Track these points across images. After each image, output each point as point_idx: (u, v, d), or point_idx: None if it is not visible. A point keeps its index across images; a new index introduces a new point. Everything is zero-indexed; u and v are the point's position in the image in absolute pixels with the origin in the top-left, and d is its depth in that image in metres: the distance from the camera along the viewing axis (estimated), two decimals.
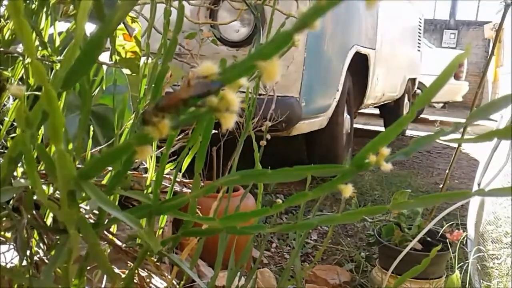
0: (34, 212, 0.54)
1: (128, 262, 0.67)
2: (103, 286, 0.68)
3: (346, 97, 2.98)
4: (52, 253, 0.56)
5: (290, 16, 0.87)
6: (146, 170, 0.98)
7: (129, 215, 0.33)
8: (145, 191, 0.79)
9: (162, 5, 0.67)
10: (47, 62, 0.63)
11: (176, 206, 0.39)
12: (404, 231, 1.57)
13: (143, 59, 0.85)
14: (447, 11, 13.70)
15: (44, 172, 0.61)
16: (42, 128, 0.59)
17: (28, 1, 0.66)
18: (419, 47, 5.61)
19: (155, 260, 0.68)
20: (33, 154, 0.35)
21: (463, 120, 0.31)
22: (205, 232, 0.45)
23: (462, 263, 1.43)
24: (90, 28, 0.65)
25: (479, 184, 1.47)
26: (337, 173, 0.31)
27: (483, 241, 1.39)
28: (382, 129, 5.11)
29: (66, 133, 0.56)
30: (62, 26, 0.75)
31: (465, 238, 1.51)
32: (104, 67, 1.05)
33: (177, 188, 1.07)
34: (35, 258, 0.57)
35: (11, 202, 0.52)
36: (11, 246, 0.56)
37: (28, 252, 0.53)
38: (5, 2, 0.69)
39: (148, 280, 0.69)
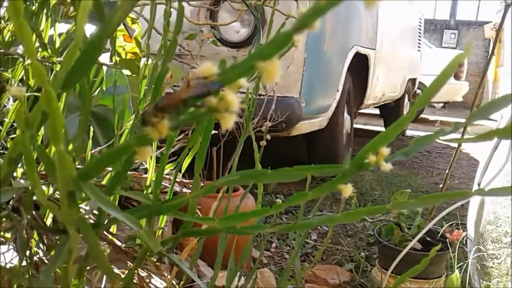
0: (34, 212, 0.54)
1: (128, 262, 0.67)
2: (102, 286, 0.68)
3: (346, 97, 2.98)
4: (52, 253, 0.56)
5: (290, 17, 0.87)
6: (146, 171, 0.98)
7: (128, 216, 0.33)
8: (145, 192, 0.79)
9: (162, 6, 0.67)
10: (47, 63, 0.63)
11: (176, 206, 0.39)
12: (404, 231, 1.57)
13: (143, 60, 0.85)
14: (447, 11, 13.70)
15: (44, 172, 0.61)
16: (42, 129, 0.59)
17: (28, 3, 0.66)
18: (419, 47, 5.62)
19: (155, 260, 0.68)
20: (33, 155, 0.35)
21: (463, 120, 0.31)
22: (205, 232, 0.45)
23: (462, 262, 1.43)
24: (90, 29, 0.66)
25: (479, 184, 1.47)
26: (337, 173, 0.31)
27: (483, 240, 1.39)
28: (382, 129, 5.11)
29: (66, 134, 0.56)
30: (62, 27, 0.76)
31: (465, 238, 1.51)
32: (104, 68, 1.05)
33: (177, 188, 1.07)
34: (35, 258, 0.57)
35: (11, 202, 0.52)
36: (11, 247, 0.56)
37: (27, 253, 0.53)
38: (6, 4, 0.69)
39: (147, 280, 0.69)
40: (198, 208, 0.93)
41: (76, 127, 0.57)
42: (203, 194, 0.39)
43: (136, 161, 0.93)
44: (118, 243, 0.64)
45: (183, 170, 0.75)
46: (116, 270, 0.67)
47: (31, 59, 0.28)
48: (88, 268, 0.43)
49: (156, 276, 0.70)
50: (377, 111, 5.85)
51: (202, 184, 0.97)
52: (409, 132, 5.75)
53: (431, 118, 7.81)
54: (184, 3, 0.58)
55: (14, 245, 0.51)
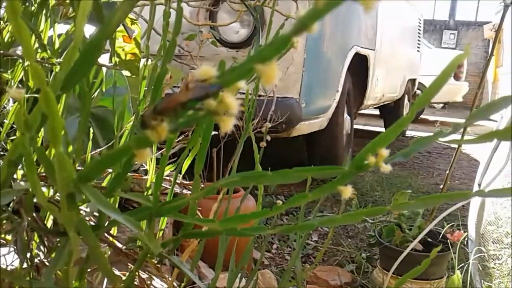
0: (34, 214, 0.54)
1: (129, 264, 0.67)
2: None
3: (346, 98, 2.98)
4: (53, 255, 0.56)
5: (290, 18, 0.87)
6: (146, 172, 0.97)
7: (129, 218, 0.33)
8: (145, 193, 0.79)
9: (161, 6, 0.67)
10: (46, 65, 0.63)
11: (176, 208, 0.39)
12: (404, 232, 1.57)
13: (142, 61, 0.85)
14: (447, 11, 13.71)
15: (44, 174, 0.61)
16: (42, 130, 0.59)
17: (27, 3, 0.66)
18: (418, 47, 5.62)
19: (156, 262, 0.68)
20: (33, 156, 0.35)
21: (463, 121, 0.31)
22: (205, 234, 0.45)
23: (463, 263, 1.43)
24: (89, 30, 0.66)
25: (479, 185, 1.47)
26: (337, 175, 0.31)
27: (484, 241, 1.39)
28: (382, 129, 5.11)
29: (66, 135, 0.56)
30: (62, 28, 0.75)
31: (466, 239, 1.51)
32: (104, 69, 1.05)
33: (177, 190, 1.07)
34: (36, 260, 0.57)
35: (11, 204, 0.52)
36: (12, 249, 0.56)
37: (28, 255, 0.52)
38: (5, 4, 0.69)
39: (148, 282, 0.69)
40: (198, 210, 0.93)
41: (75, 128, 0.57)
42: (204, 195, 0.39)
43: (136, 163, 0.93)
44: (119, 245, 0.64)
45: (183, 171, 0.75)
46: (117, 272, 0.67)
47: (30, 61, 0.28)
48: (88, 270, 0.43)
49: (157, 278, 0.70)
50: (377, 112, 5.85)
51: (202, 185, 0.97)
52: (409, 133, 5.75)
53: (431, 118, 7.81)
54: (183, 4, 0.58)
55: (14, 247, 0.51)
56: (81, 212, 0.45)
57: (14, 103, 0.76)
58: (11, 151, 0.37)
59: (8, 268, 0.57)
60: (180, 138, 1.20)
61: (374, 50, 3.35)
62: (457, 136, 0.32)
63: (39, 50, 0.64)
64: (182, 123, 0.25)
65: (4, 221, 0.51)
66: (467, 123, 0.31)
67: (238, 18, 1.50)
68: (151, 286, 0.70)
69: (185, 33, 1.55)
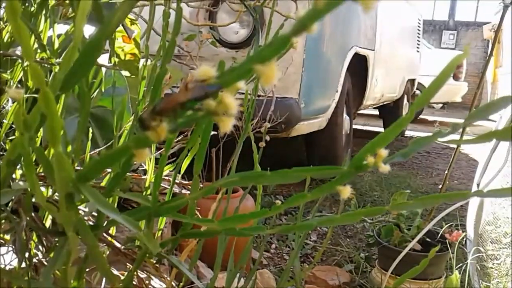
0: (33, 214, 0.54)
1: (127, 264, 0.67)
2: None
3: (345, 98, 2.98)
4: (51, 255, 0.56)
5: (289, 18, 0.87)
6: (145, 172, 0.97)
7: (127, 217, 0.33)
8: (144, 193, 0.79)
9: (161, 7, 0.67)
10: (46, 65, 0.63)
11: (175, 207, 0.39)
12: (403, 232, 1.57)
13: (142, 61, 0.85)
14: (446, 11, 13.72)
15: (43, 174, 0.61)
16: (41, 130, 0.59)
17: (27, 3, 0.66)
18: (418, 47, 5.62)
19: (154, 261, 0.68)
20: (32, 156, 0.35)
21: (462, 121, 0.31)
22: (204, 233, 0.45)
23: (461, 263, 1.43)
24: (89, 30, 0.66)
25: (478, 185, 1.47)
26: (336, 175, 0.31)
27: (482, 241, 1.39)
28: (382, 129, 5.12)
29: (65, 135, 0.56)
30: (61, 28, 0.75)
31: (464, 239, 1.51)
32: (103, 69, 1.05)
33: (176, 189, 1.07)
34: (34, 260, 0.57)
35: (10, 204, 0.52)
36: (10, 248, 0.56)
37: (27, 254, 0.52)
38: (4, 4, 0.69)
39: (147, 281, 0.69)
40: (197, 210, 0.93)
41: (75, 128, 0.57)
42: (202, 195, 0.39)
43: (135, 163, 0.93)
44: (118, 244, 0.64)
45: (182, 171, 0.75)
46: (115, 272, 0.67)
47: (29, 61, 0.28)
48: (87, 269, 0.43)
49: (156, 277, 0.70)
50: (376, 112, 5.86)
51: (201, 185, 0.97)
52: (408, 133, 5.75)
53: (430, 118, 7.82)
54: (182, 4, 0.58)
55: (13, 247, 0.51)
56: (80, 212, 0.45)
57: (13, 103, 0.76)
58: (10, 151, 0.37)
59: (7, 268, 0.57)
60: (179, 138, 1.20)
61: (373, 50, 3.35)
62: (456, 136, 0.32)
63: (39, 50, 0.64)
64: (181, 123, 0.25)
65: (3, 221, 0.51)
66: (466, 123, 0.31)
67: (238, 19, 1.50)
68: (150, 286, 0.70)
69: (184, 33, 1.55)
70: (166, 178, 0.99)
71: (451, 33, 13.43)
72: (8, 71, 0.74)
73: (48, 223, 0.63)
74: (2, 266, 0.57)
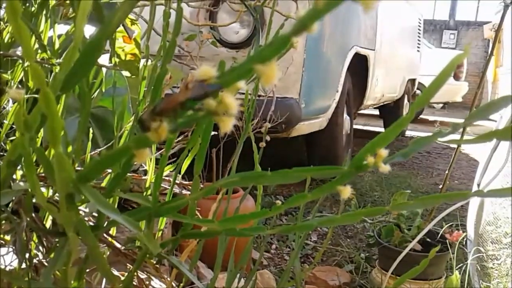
0: (33, 215, 0.54)
1: (128, 264, 0.67)
2: None
3: (346, 98, 2.98)
4: (51, 255, 0.56)
5: (289, 18, 0.87)
6: (145, 172, 0.97)
7: (128, 218, 0.33)
8: (144, 193, 0.79)
9: (161, 7, 0.67)
10: (46, 65, 0.63)
11: (176, 208, 0.39)
12: (403, 232, 1.57)
13: (142, 61, 0.85)
14: (447, 11, 13.72)
15: (43, 175, 0.61)
16: (42, 131, 0.59)
17: (27, 4, 0.66)
18: (418, 47, 5.62)
19: (155, 262, 0.68)
20: (32, 157, 0.35)
21: (462, 121, 0.31)
22: (204, 234, 0.45)
23: (462, 263, 1.43)
24: (89, 30, 0.66)
25: (478, 185, 1.47)
26: (336, 175, 0.31)
27: (482, 241, 1.39)
28: (382, 129, 5.11)
29: (65, 136, 0.56)
30: (62, 28, 0.75)
31: (465, 239, 1.51)
32: (104, 69, 1.05)
33: (176, 190, 1.07)
34: (34, 260, 0.57)
35: (10, 205, 0.52)
36: (10, 249, 0.56)
37: (27, 255, 0.52)
38: (5, 5, 0.69)
39: (147, 282, 0.69)
40: (197, 210, 0.93)
41: (75, 128, 0.57)
42: (203, 195, 0.39)
43: (135, 163, 0.93)
44: (118, 245, 0.64)
45: (182, 171, 0.75)
46: (115, 272, 0.67)
47: (30, 61, 0.28)
48: (87, 270, 0.43)
49: (156, 278, 0.70)
50: (376, 112, 5.86)
51: (201, 185, 0.97)
52: (408, 133, 5.75)
53: (431, 118, 7.82)
54: (183, 4, 0.58)
55: (13, 247, 0.51)
56: (80, 212, 0.45)
57: (13, 103, 0.76)
58: (10, 151, 0.37)
59: (7, 268, 0.57)
60: (180, 138, 1.20)
61: (374, 50, 3.35)
62: (456, 136, 0.32)
63: (39, 51, 0.64)
64: (181, 123, 0.25)
65: (3, 221, 0.51)
66: (466, 123, 0.31)
67: (238, 19, 1.50)
68: (150, 287, 0.70)
69: (185, 33, 1.55)
70: (167, 178, 0.99)
71: (451, 33, 13.42)
72: (9, 72, 0.74)
73: (48, 223, 0.63)
74: (3, 266, 0.57)
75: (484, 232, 1.39)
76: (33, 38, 0.63)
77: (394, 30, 4.14)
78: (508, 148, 1.38)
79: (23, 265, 0.51)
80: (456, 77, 7.74)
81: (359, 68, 3.21)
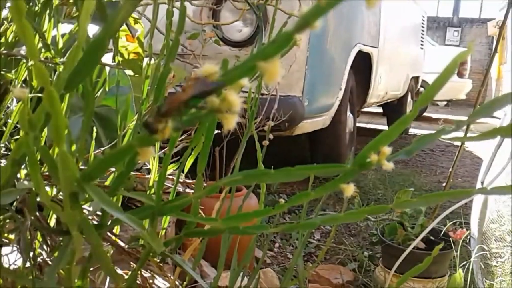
0: (37, 213, 0.54)
1: (131, 263, 0.67)
2: (106, 287, 0.68)
3: (349, 96, 2.98)
4: (55, 254, 0.56)
5: (292, 16, 0.87)
6: (149, 171, 0.98)
7: (131, 216, 0.33)
8: (148, 192, 0.79)
9: (164, 6, 0.67)
10: (50, 64, 0.63)
11: (179, 206, 0.39)
12: (407, 230, 1.57)
13: (146, 60, 0.85)
14: (450, 8, 13.68)
15: (47, 174, 0.61)
16: (46, 130, 0.60)
17: (31, 3, 0.66)
18: (422, 45, 5.60)
19: (158, 261, 0.68)
20: (37, 156, 0.35)
21: (466, 118, 0.31)
22: (207, 232, 0.45)
23: (465, 261, 1.43)
24: (92, 29, 0.66)
25: (482, 182, 1.47)
26: (340, 173, 0.31)
27: (486, 239, 1.38)
28: (385, 127, 5.10)
29: (69, 135, 0.56)
30: (65, 27, 0.76)
31: (468, 237, 1.51)
32: (107, 68, 1.05)
33: (180, 188, 1.07)
34: (39, 259, 0.57)
35: (14, 204, 0.53)
36: (15, 248, 0.56)
37: (31, 254, 0.53)
38: (9, 4, 0.69)
39: (151, 281, 0.69)
40: (201, 208, 0.93)
41: (79, 127, 0.57)
42: (206, 194, 0.39)
43: (139, 162, 0.93)
44: (121, 244, 0.65)
45: (186, 170, 0.75)
46: (119, 271, 0.67)
47: (34, 60, 0.28)
48: (91, 269, 0.43)
49: (159, 276, 0.70)
50: (380, 110, 5.84)
51: (205, 184, 0.97)
52: (412, 131, 5.74)
53: (434, 116, 7.80)
54: (186, 3, 0.58)
55: (17, 246, 0.51)
56: (84, 211, 0.45)
57: (18, 102, 0.76)
58: (14, 150, 0.37)
59: (11, 267, 0.57)
60: (183, 137, 1.20)
61: (377, 47, 3.34)
62: (460, 134, 0.31)
63: (43, 50, 0.64)
64: (185, 121, 0.25)
65: (7, 220, 0.51)
66: (470, 120, 0.31)
67: (241, 17, 1.50)
68: (154, 285, 0.70)
69: (188, 32, 1.55)
70: (170, 177, 0.99)
71: (455, 30, 13.38)
72: (13, 71, 0.74)
73: (52, 222, 0.63)
74: (7, 265, 0.57)
75: (487, 230, 1.39)
76: (37, 37, 0.63)
77: (397, 28, 4.13)
78: None
79: (27, 264, 0.51)
80: (460, 75, 7.72)
81: (363, 65, 3.20)
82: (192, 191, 1.07)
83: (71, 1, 0.75)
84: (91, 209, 0.59)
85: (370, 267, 1.71)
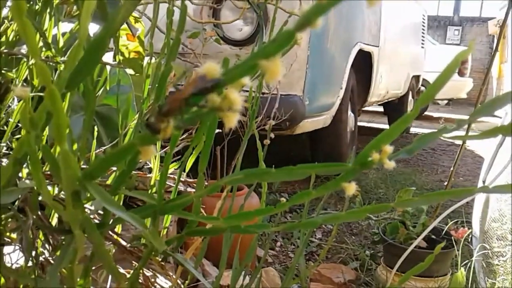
0: (39, 212, 0.54)
1: (133, 262, 0.67)
2: (108, 286, 0.68)
3: (350, 95, 2.97)
4: (58, 253, 0.56)
5: (293, 15, 0.87)
6: (150, 170, 0.98)
7: (133, 215, 0.33)
8: (149, 191, 0.79)
9: (165, 4, 0.67)
10: (51, 63, 0.63)
11: (181, 205, 0.39)
12: (408, 229, 1.57)
13: (146, 59, 0.85)
14: (451, 7, 13.67)
15: (49, 173, 0.62)
16: (47, 129, 0.60)
17: (31, 2, 0.66)
18: (423, 44, 5.60)
19: (160, 259, 0.68)
20: (38, 155, 0.35)
21: (467, 117, 0.31)
22: (209, 231, 0.45)
23: (467, 260, 1.43)
24: (93, 28, 0.66)
25: (484, 181, 1.47)
26: (341, 172, 0.31)
27: (488, 238, 1.38)
28: (386, 126, 5.09)
29: (70, 134, 0.56)
30: (66, 26, 0.76)
31: (470, 236, 1.51)
32: (108, 67, 1.06)
33: (181, 187, 1.07)
34: (41, 258, 0.57)
35: (16, 203, 0.53)
36: (17, 247, 0.56)
37: (33, 253, 0.53)
38: (9, 3, 0.69)
39: (153, 279, 0.69)
40: (202, 207, 0.93)
41: (80, 127, 0.57)
42: (207, 193, 0.39)
43: (140, 161, 0.94)
44: (123, 242, 0.65)
45: (187, 169, 0.75)
46: (121, 270, 0.67)
47: (35, 59, 0.28)
48: (93, 268, 0.43)
49: (161, 275, 0.70)
50: (381, 109, 5.84)
51: (206, 183, 0.97)
52: (413, 130, 5.73)
53: (435, 115, 7.79)
54: (187, 2, 0.58)
55: (20, 245, 0.52)
56: (86, 210, 0.45)
57: (19, 101, 0.76)
58: (16, 149, 0.37)
59: (13, 267, 0.57)
60: (184, 136, 1.20)
61: (378, 46, 3.34)
62: (461, 133, 0.31)
63: (44, 49, 0.64)
64: (187, 119, 0.25)
65: (9, 220, 0.51)
66: (471, 119, 0.31)
67: (242, 16, 1.49)
68: (156, 284, 0.70)
69: (188, 31, 1.55)
70: (171, 176, 0.99)
71: (456, 29, 13.36)
72: (14, 70, 0.74)
73: (54, 221, 0.63)
74: (9, 264, 0.57)
75: (489, 229, 1.39)
76: (38, 36, 0.63)
77: (398, 27, 4.12)
78: None
79: (30, 263, 0.51)
80: (461, 74, 7.71)
81: (363, 64, 3.20)
82: (193, 190, 1.07)
83: (72, 0, 0.76)
84: (93, 208, 0.59)
85: (372, 266, 1.71)
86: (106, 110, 1.13)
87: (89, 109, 0.53)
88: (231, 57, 0.47)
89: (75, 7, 0.82)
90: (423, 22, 5.52)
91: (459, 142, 2.55)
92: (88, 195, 0.34)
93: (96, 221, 0.61)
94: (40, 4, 0.66)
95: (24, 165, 0.53)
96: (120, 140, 0.75)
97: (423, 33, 5.55)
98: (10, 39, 0.71)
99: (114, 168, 0.71)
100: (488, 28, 11.46)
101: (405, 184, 2.88)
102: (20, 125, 0.71)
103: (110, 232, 0.66)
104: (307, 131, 2.49)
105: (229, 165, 1.49)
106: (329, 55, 2.52)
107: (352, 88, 3.01)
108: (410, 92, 5.30)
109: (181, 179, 1.07)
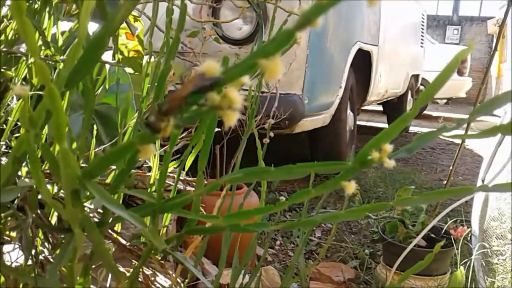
0: (38, 211, 0.54)
1: (133, 260, 0.67)
2: (108, 285, 0.68)
3: (349, 94, 2.98)
4: (57, 252, 0.56)
5: (292, 14, 0.87)
6: (149, 169, 0.98)
7: (133, 214, 0.34)
8: (149, 190, 0.79)
9: (164, 3, 0.67)
10: (50, 62, 0.63)
11: (180, 204, 0.39)
12: (408, 228, 1.57)
13: (145, 58, 0.85)
14: (450, 7, 13.67)
15: (48, 171, 0.62)
16: (46, 127, 0.60)
17: (31, 1, 0.66)
18: (422, 43, 5.60)
19: (160, 258, 0.68)
20: (37, 153, 0.35)
21: (466, 116, 0.31)
22: (209, 230, 0.45)
23: (466, 259, 1.43)
24: (92, 27, 0.66)
25: (483, 180, 1.47)
26: (340, 170, 0.31)
27: (487, 237, 1.38)
28: (386, 125, 5.10)
29: (69, 132, 0.56)
30: (65, 25, 0.76)
31: (469, 234, 1.51)
32: (107, 66, 1.05)
33: (180, 186, 1.07)
34: (40, 257, 0.57)
35: (15, 201, 0.53)
36: (16, 246, 0.56)
37: (33, 251, 0.53)
38: (8, 2, 0.69)
39: (152, 278, 0.69)
40: (202, 206, 0.93)
41: (79, 125, 0.57)
42: (207, 192, 0.39)
43: (139, 159, 0.93)
44: (123, 241, 0.65)
45: (186, 168, 0.75)
46: (121, 269, 0.67)
47: (34, 58, 0.28)
48: (93, 266, 0.43)
49: (161, 274, 0.70)
50: (380, 108, 5.84)
51: (205, 182, 0.97)
52: (412, 129, 5.74)
53: (435, 114, 7.79)
54: (186, 1, 0.58)
55: (19, 244, 0.52)
56: (86, 208, 0.45)
57: (18, 100, 0.76)
58: (15, 148, 0.37)
59: (13, 265, 0.57)
60: (183, 135, 1.20)
61: (377, 46, 3.34)
62: (460, 132, 0.32)
63: (43, 48, 0.64)
64: (186, 118, 0.25)
65: (9, 218, 0.51)
66: (470, 118, 0.31)
67: (241, 15, 1.49)
68: (155, 283, 0.70)
69: (188, 30, 1.55)
70: (171, 175, 0.99)
71: (455, 28, 13.36)
72: (13, 69, 0.74)
73: (54, 220, 0.63)
74: (9, 263, 0.57)
75: (488, 227, 1.39)
76: (37, 35, 0.63)
77: (397, 26, 4.12)
78: None
79: (29, 262, 0.51)
80: (460, 73, 7.71)
81: (363, 64, 3.20)
82: (193, 189, 1.07)
83: None
84: (92, 206, 0.59)
85: (371, 265, 1.71)
86: (105, 109, 1.13)
87: (89, 107, 0.53)
88: (230, 56, 0.47)
89: (74, 6, 0.82)
90: (422, 22, 5.52)
91: (458, 141, 2.56)
92: (88, 193, 0.34)
93: (96, 219, 0.61)
94: (39, 2, 0.66)
95: (24, 164, 0.53)
96: (120, 139, 0.75)
97: (422, 32, 5.55)
98: (10, 37, 0.71)
99: (114, 167, 0.71)
100: (487, 28, 11.46)
101: (405, 183, 2.88)
102: (19, 123, 0.71)
103: (110, 231, 0.66)
104: (307, 130, 2.50)
105: (228, 164, 1.49)
106: (329, 54, 2.52)
107: (351, 87, 3.01)
108: (409, 91, 5.31)
109: (181, 177, 1.07)
